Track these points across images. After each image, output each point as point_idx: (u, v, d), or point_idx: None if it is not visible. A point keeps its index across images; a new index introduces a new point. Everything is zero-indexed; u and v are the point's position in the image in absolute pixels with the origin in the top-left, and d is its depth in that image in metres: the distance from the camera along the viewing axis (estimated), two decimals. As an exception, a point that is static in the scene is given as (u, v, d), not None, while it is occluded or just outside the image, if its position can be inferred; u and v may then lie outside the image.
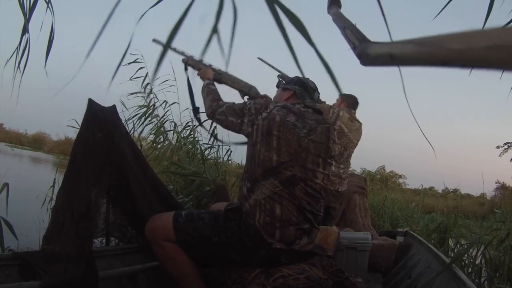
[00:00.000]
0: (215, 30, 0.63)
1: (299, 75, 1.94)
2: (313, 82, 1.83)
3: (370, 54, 0.41)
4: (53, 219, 1.40)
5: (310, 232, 1.52)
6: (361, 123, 3.12)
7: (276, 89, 2.00)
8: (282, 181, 1.48)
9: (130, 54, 3.83)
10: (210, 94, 1.81)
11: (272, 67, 2.12)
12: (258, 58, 2.27)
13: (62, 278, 1.25)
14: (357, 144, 3.07)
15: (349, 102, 3.12)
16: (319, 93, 1.83)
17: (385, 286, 2.52)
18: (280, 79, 2.04)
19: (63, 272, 1.27)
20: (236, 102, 1.73)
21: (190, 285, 1.51)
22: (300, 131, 1.53)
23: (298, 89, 1.78)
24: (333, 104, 3.12)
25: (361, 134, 3.11)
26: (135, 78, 3.97)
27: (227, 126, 1.67)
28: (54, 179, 2.61)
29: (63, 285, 1.24)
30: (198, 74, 2.03)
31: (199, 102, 1.96)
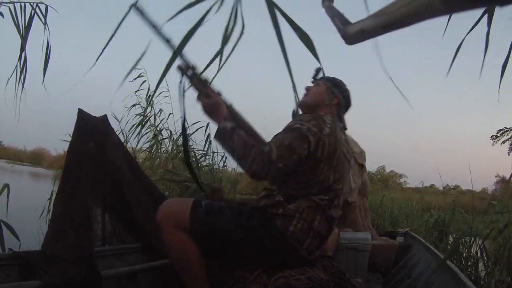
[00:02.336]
0: (220, 52, 0.63)
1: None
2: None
3: (349, 33, 0.48)
4: (51, 228, 1.40)
5: (322, 244, 1.53)
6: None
7: (311, 81, 1.71)
8: (330, 197, 1.47)
9: (135, 69, 3.93)
10: (250, 146, 1.36)
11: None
12: None
13: (62, 278, 1.25)
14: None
15: None
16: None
17: (385, 286, 2.51)
18: (318, 71, 1.68)
19: (63, 272, 1.27)
20: (279, 135, 1.41)
21: (193, 279, 1.44)
22: (344, 149, 1.53)
23: (342, 101, 1.63)
24: None
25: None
26: (138, 90, 4.09)
27: (289, 168, 1.38)
28: (52, 191, 2.63)
29: (63, 285, 1.24)
30: (205, 105, 1.45)
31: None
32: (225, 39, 0.65)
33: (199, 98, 1.44)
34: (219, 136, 1.42)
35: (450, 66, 0.96)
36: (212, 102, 1.44)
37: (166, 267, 1.62)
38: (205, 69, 0.64)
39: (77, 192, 1.45)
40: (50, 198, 2.65)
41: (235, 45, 0.64)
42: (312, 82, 1.69)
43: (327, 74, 1.70)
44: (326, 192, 1.46)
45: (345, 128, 1.65)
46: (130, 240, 1.85)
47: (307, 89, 1.68)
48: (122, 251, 1.73)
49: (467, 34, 0.99)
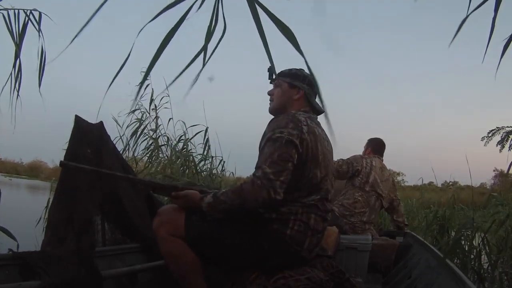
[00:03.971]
0: (204, 48, 0.63)
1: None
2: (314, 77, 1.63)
3: None
4: (50, 235, 1.39)
5: (321, 241, 1.53)
6: (390, 174, 3.18)
7: (269, 82, 1.69)
8: (321, 195, 1.47)
9: (141, 72, 3.89)
10: (240, 187, 1.37)
11: None
12: None
13: (62, 278, 1.25)
14: (385, 197, 3.07)
15: (374, 146, 3.18)
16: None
17: (385, 286, 2.50)
18: (272, 70, 1.65)
19: (63, 272, 1.27)
20: (265, 151, 1.39)
21: (191, 285, 1.44)
22: (324, 143, 1.52)
23: (308, 89, 1.59)
24: (362, 152, 3.22)
25: (390, 185, 3.13)
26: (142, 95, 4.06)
27: (289, 177, 1.37)
28: (49, 199, 2.62)
29: (63, 285, 1.24)
30: (179, 205, 1.47)
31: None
32: (209, 35, 0.64)
33: (171, 201, 1.51)
34: (211, 212, 1.41)
35: (454, 37, 0.92)
36: (183, 202, 1.46)
37: (166, 267, 1.61)
38: (188, 66, 0.63)
39: (76, 198, 1.44)
40: (46, 206, 2.64)
41: (218, 42, 0.64)
42: (271, 83, 1.67)
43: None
44: (317, 192, 1.46)
45: (322, 111, 1.56)
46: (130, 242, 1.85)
47: (270, 94, 1.66)
48: (122, 251, 1.73)
49: (472, 11, 0.97)
